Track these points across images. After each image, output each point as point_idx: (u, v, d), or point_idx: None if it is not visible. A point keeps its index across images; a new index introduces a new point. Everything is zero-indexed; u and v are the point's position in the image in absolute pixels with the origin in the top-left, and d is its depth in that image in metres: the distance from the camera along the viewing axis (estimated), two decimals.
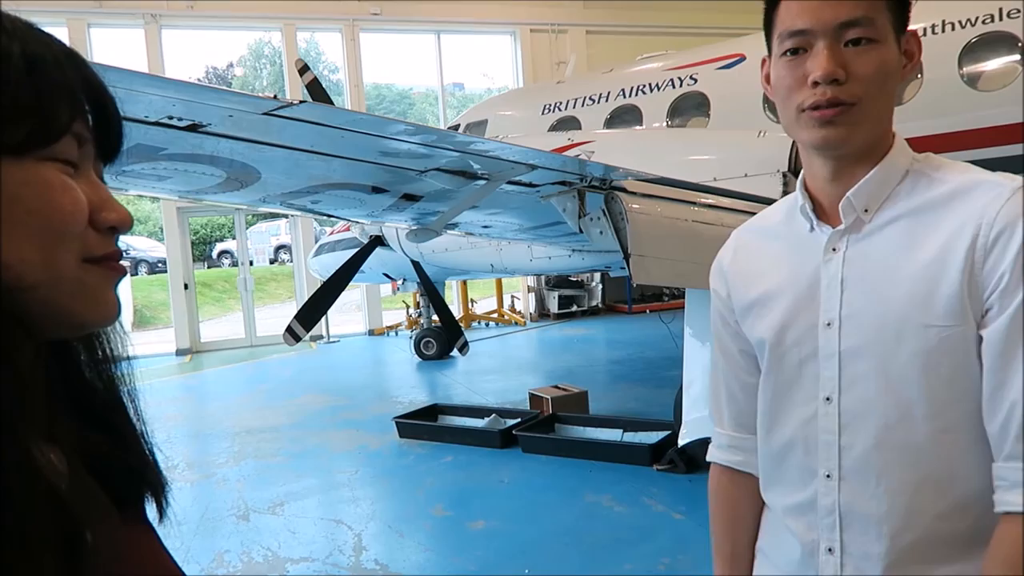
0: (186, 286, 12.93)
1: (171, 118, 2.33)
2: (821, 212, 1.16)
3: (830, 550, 1.14)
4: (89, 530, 0.55)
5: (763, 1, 1.15)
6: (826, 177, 1.14)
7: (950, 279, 1.02)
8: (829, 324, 1.13)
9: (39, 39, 0.59)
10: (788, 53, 1.09)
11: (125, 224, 0.61)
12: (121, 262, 0.63)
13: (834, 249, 1.14)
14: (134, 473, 0.70)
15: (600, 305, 14.96)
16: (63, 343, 0.67)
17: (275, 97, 2.38)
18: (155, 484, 0.72)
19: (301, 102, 2.41)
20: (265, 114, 2.46)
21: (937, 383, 1.04)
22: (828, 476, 1.14)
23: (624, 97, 8.58)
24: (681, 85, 8.05)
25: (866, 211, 1.11)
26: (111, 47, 12.98)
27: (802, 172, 1.20)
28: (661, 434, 5.34)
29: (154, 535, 0.72)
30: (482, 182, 3.81)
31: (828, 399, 1.13)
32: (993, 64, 6.20)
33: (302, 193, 3.69)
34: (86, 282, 0.59)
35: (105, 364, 0.70)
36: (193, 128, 2.45)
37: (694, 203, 4.68)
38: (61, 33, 11.95)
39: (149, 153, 2.65)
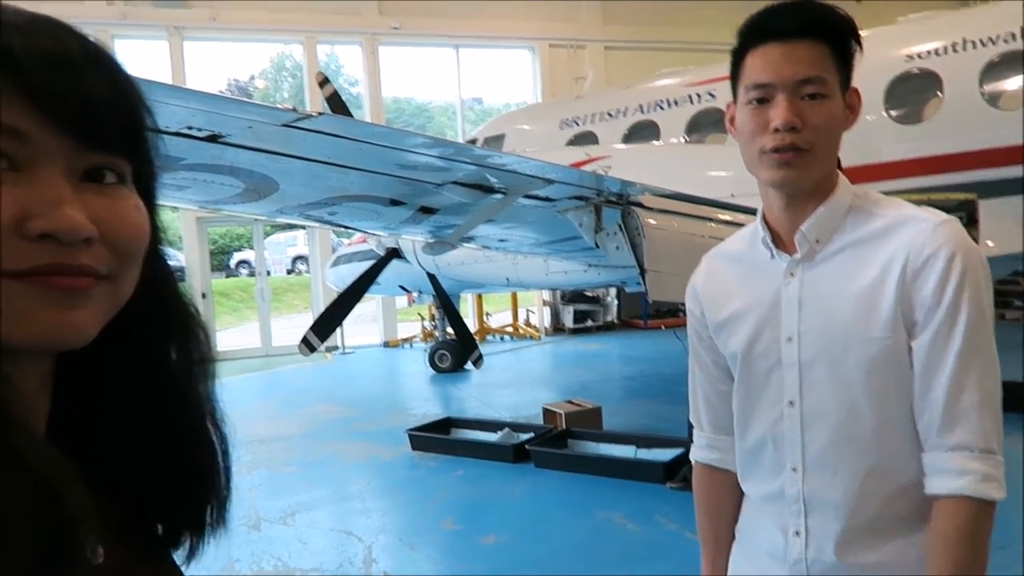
0: (204, 295, 13.01)
1: (191, 128, 2.35)
2: (778, 241, 1.36)
3: (797, 533, 1.33)
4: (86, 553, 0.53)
5: (730, 55, 1.33)
6: (781, 208, 1.33)
7: (887, 299, 1.23)
8: (790, 339, 1.32)
9: None
10: (753, 102, 1.27)
11: (59, 231, 0.51)
12: (81, 276, 0.54)
13: (792, 274, 1.33)
14: (171, 507, 0.67)
15: (615, 320, 14.88)
16: (159, 361, 0.65)
17: (294, 109, 2.39)
18: (193, 525, 0.68)
19: (320, 114, 2.43)
20: (284, 125, 2.48)
21: (879, 385, 1.25)
22: (794, 469, 1.33)
23: (642, 112, 8.58)
24: (700, 101, 8.05)
25: (817, 242, 1.31)
26: (135, 59, 13.15)
27: (760, 206, 1.39)
28: (675, 451, 5.29)
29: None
30: (499, 196, 3.81)
31: (791, 403, 1.33)
32: (1015, 83, 6.15)
33: (320, 205, 3.71)
34: (5, 299, 0.51)
35: (173, 386, 0.66)
36: (213, 139, 2.47)
37: (711, 219, 4.67)
38: None
39: (168, 163, 2.67)
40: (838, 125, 1.28)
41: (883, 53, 6.62)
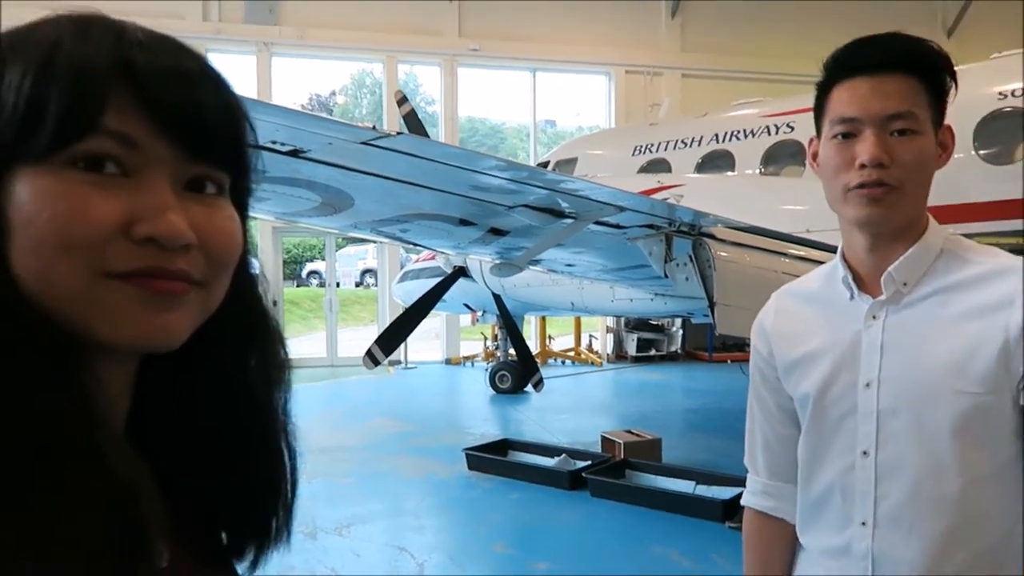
0: (274, 303, 13.27)
1: (274, 143, 2.42)
2: (859, 282, 1.29)
3: None
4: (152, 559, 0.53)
5: (815, 88, 1.28)
6: (864, 248, 1.27)
7: (985, 353, 1.15)
8: (868, 385, 1.24)
9: (73, 23, 0.56)
10: (838, 137, 1.22)
11: (162, 236, 0.54)
12: (176, 281, 0.55)
13: (874, 317, 1.26)
14: (238, 514, 0.68)
15: (679, 351, 14.61)
16: (238, 362, 0.67)
17: (374, 127, 2.44)
18: (258, 535, 0.69)
19: (399, 133, 2.47)
20: (363, 143, 2.53)
21: (968, 441, 1.16)
22: (863, 524, 1.24)
23: (717, 142, 8.46)
24: (777, 132, 7.89)
25: (905, 284, 1.24)
26: (224, 72, 13.65)
27: (840, 245, 1.34)
28: (735, 490, 5.13)
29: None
30: (569, 221, 3.80)
31: (865, 453, 1.24)
32: None
33: (392, 221, 3.77)
34: (103, 299, 0.53)
35: (248, 394, 0.67)
36: (294, 153, 2.54)
37: (784, 254, 4.55)
38: None
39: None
40: (929, 163, 1.21)
41: (974, 90, 6.37)
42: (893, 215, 1.20)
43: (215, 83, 0.60)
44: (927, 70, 1.20)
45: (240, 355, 0.68)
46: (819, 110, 1.28)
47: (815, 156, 1.31)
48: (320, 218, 3.57)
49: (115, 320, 0.54)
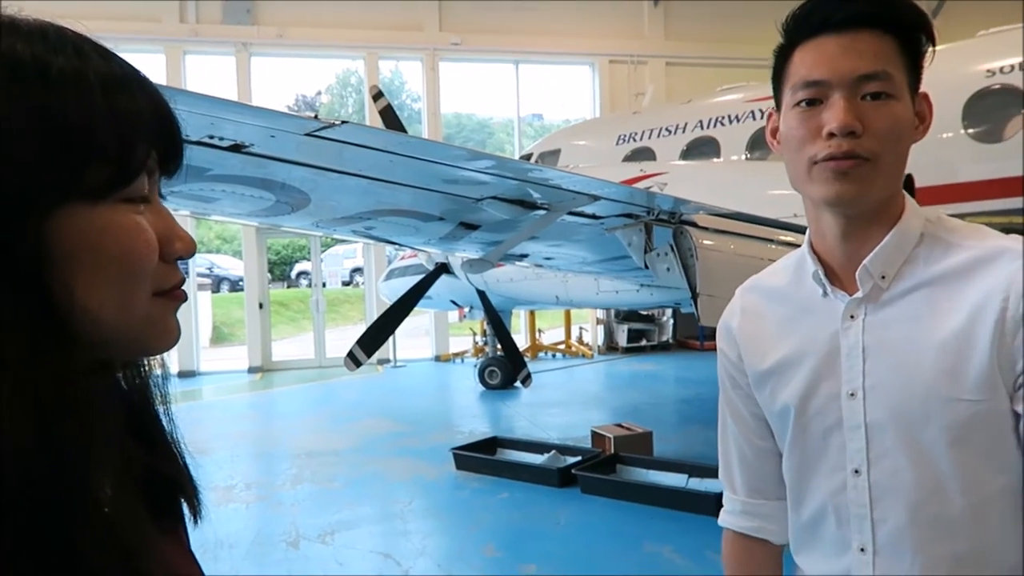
0: (261, 305, 13.20)
1: (212, 137, 2.26)
2: (832, 275, 1.14)
3: None
4: (139, 557, 0.57)
5: (773, 54, 1.14)
6: (836, 236, 1.11)
7: (979, 352, 1.00)
8: (852, 394, 1.10)
9: (113, 63, 0.59)
10: (802, 104, 1.07)
11: (190, 253, 0.63)
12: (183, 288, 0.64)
13: (852, 317, 1.11)
14: (170, 481, 0.72)
15: (671, 340, 14.55)
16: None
17: (316, 117, 2.28)
18: (188, 490, 0.74)
19: (344, 122, 2.31)
20: (308, 135, 2.37)
21: (969, 457, 1.03)
22: (862, 550, 1.11)
23: (702, 129, 8.35)
24: (763, 117, 7.76)
25: (883, 278, 1.09)
26: (203, 74, 13.50)
27: (808, 233, 1.17)
28: None
29: (185, 544, 0.73)
30: (542, 212, 3.65)
31: (857, 471, 1.11)
32: None
33: (355, 219, 3.61)
34: (154, 315, 0.61)
35: (139, 372, 0.72)
36: (236, 148, 2.38)
37: (772, 240, 4.41)
38: (158, 61, 12.57)
39: (194, 173, 2.59)
40: (906, 133, 1.06)
41: (962, 68, 6.27)
42: (866, 191, 1.04)
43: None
44: (903, 28, 1.05)
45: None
46: (778, 78, 1.12)
47: (775, 132, 1.15)
48: (277, 217, 3.40)
49: (161, 332, 0.62)
